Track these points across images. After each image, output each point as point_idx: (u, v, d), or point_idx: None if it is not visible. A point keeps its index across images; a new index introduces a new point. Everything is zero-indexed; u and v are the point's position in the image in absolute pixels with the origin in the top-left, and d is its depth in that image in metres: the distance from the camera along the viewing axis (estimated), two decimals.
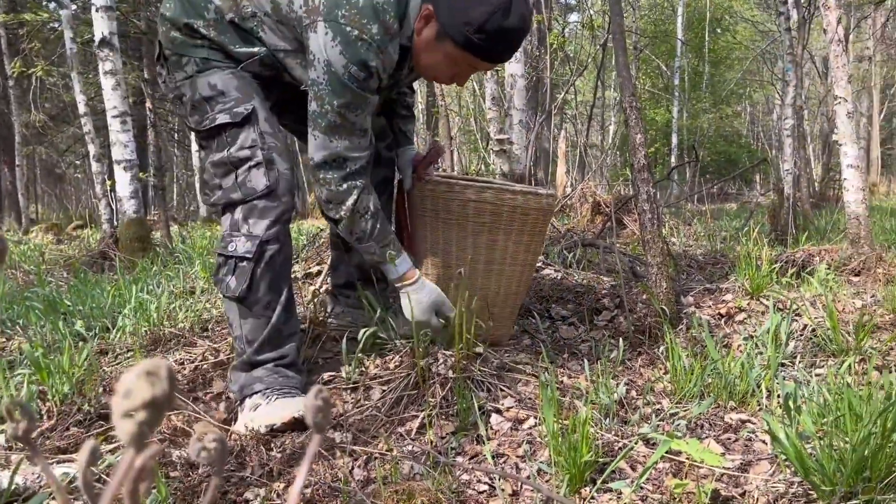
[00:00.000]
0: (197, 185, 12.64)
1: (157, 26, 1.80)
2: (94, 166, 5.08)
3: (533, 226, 2.09)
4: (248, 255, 1.72)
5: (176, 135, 17.52)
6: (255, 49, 1.75)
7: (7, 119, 13.36)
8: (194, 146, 12.43)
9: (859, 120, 18.23)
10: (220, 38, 1.73)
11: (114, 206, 5.22)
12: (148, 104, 6.12)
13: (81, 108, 5.21)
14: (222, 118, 1.72)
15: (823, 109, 9.69)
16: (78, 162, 19.16)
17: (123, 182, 4.51)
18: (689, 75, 18.13)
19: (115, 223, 5.12)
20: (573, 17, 16.61)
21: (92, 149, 5.09)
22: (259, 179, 1.72)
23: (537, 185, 7.06)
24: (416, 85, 2.96)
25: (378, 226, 1.83)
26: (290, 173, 1.77)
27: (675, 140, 16.79)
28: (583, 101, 13.59)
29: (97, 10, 4.36)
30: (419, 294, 1.88)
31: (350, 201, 1.76)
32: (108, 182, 5.30)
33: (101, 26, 4.39)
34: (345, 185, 1.75)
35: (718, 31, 18.71)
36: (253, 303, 1.75)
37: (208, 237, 5.42)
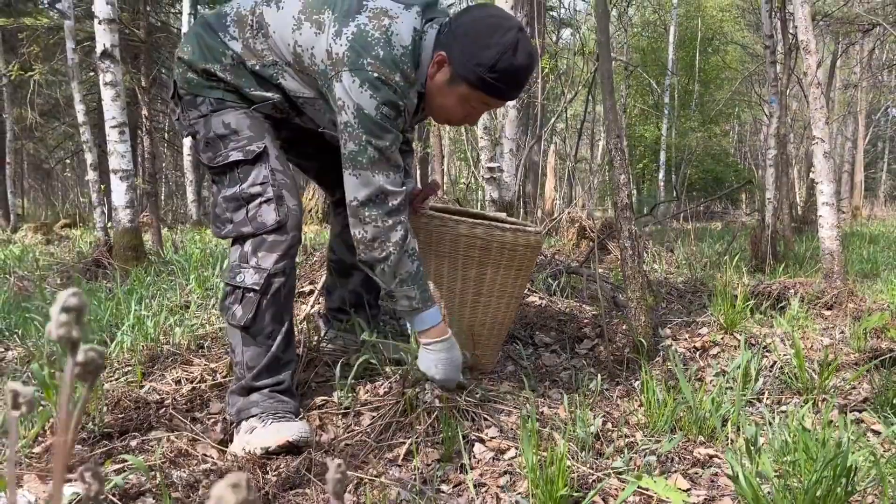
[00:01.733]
0: (188, 189, 12.67)
1: (174, 67, 1.89)
2: (91, 175, 5.15)
3: (520, 261, 2.20)
4: (255, 287, 1.80)
5: (166, 135, 17.50)
6: (270, 94, 1.84)
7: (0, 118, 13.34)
8: (185, 149, 12.47)
9: (844, 143, 18.52)
10: (237, 81, 1.82)
11: (107, 213, 5.29)
12: (144, 112, 6.19)
13: (80, 118, 5.28)
14: (235, 155, 1.81)
15: (810, 133, 9.88)
16: (67, 160, 19.10)
17: (119, 192, 4.58)
18: (680, 94, 18.40)
19: (109, 227, 5.17)
20: (567, 32, 16.79)
21: (89, 157, 5.16)
22: (269, 215, 1.81)
23: (526, 202, 7.19)
24: None
25: (422, 269, 1.87)
26: (299, 209, 1.86)
27: (662, 157, 17.04)
28: (573, 115, 13.75)
29: (100, 23, 4.43)
30: (451, 353, 1.90)
31: (397, 237, 1.80)
32: (103, 188, 5.37)
33: (104, 38, 4.47)
34: (390, 221, 1.79)
35: (710, 50, 19.01)
36: (257, 332, 1.84)
37: (200, 245, 5.49)
